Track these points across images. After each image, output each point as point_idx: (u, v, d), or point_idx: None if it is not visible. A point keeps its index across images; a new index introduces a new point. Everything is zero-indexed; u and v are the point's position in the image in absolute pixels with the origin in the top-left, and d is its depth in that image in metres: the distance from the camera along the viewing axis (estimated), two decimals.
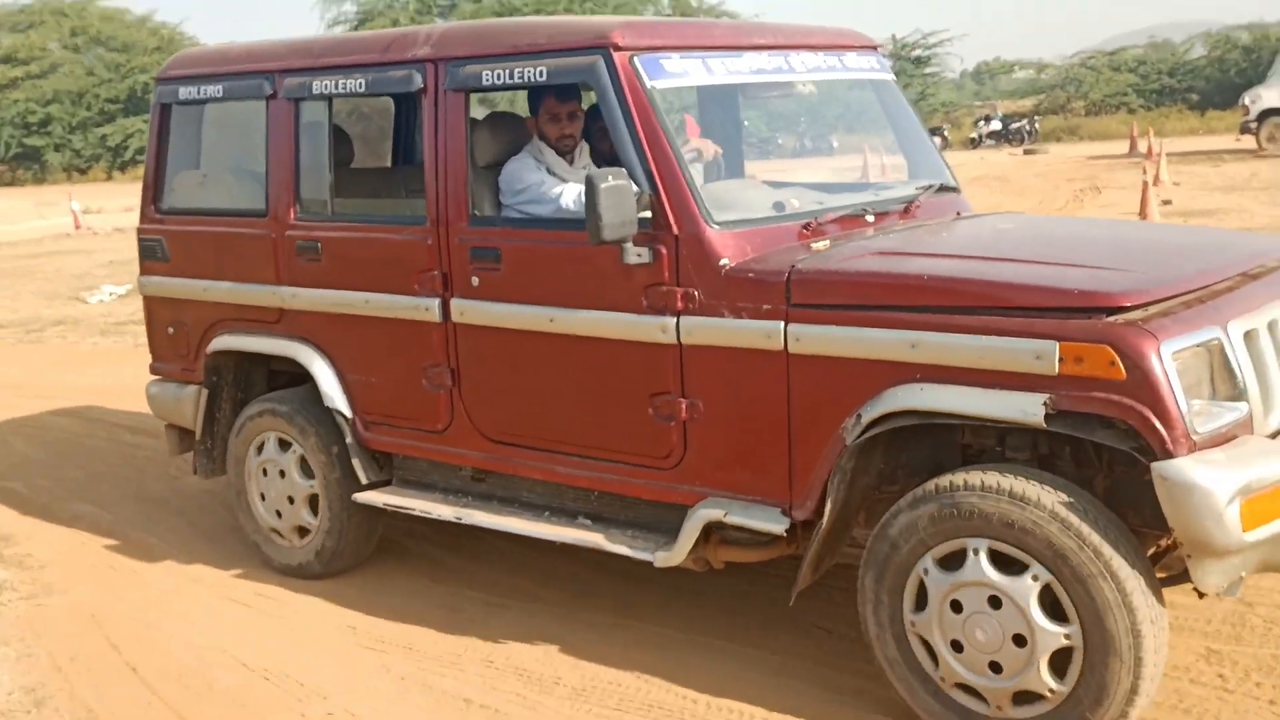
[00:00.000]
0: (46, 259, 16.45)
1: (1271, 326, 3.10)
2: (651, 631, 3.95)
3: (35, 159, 36.80)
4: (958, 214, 4.17)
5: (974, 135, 32.07)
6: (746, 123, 5.29)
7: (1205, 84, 34.55)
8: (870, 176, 5.38)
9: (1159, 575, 3.10)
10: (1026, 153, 27.35)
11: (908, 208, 4.01)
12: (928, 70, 40.98)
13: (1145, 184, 12.86)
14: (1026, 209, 14.27)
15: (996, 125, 31.88)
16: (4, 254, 17.65)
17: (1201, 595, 3.00)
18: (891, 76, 4.55)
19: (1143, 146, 22.00)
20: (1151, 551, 3.19)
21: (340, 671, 3.84)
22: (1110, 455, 3.10)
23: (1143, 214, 12.29)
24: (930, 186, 4.18)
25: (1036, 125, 31.77)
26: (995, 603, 2.97)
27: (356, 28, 35.72)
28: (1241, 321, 2.99)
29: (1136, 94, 35.20)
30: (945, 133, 30.39)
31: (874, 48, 4.52)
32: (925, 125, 4.64)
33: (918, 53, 41.01)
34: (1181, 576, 3.12)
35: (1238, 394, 2.92)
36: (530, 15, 29.43)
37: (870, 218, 3.85)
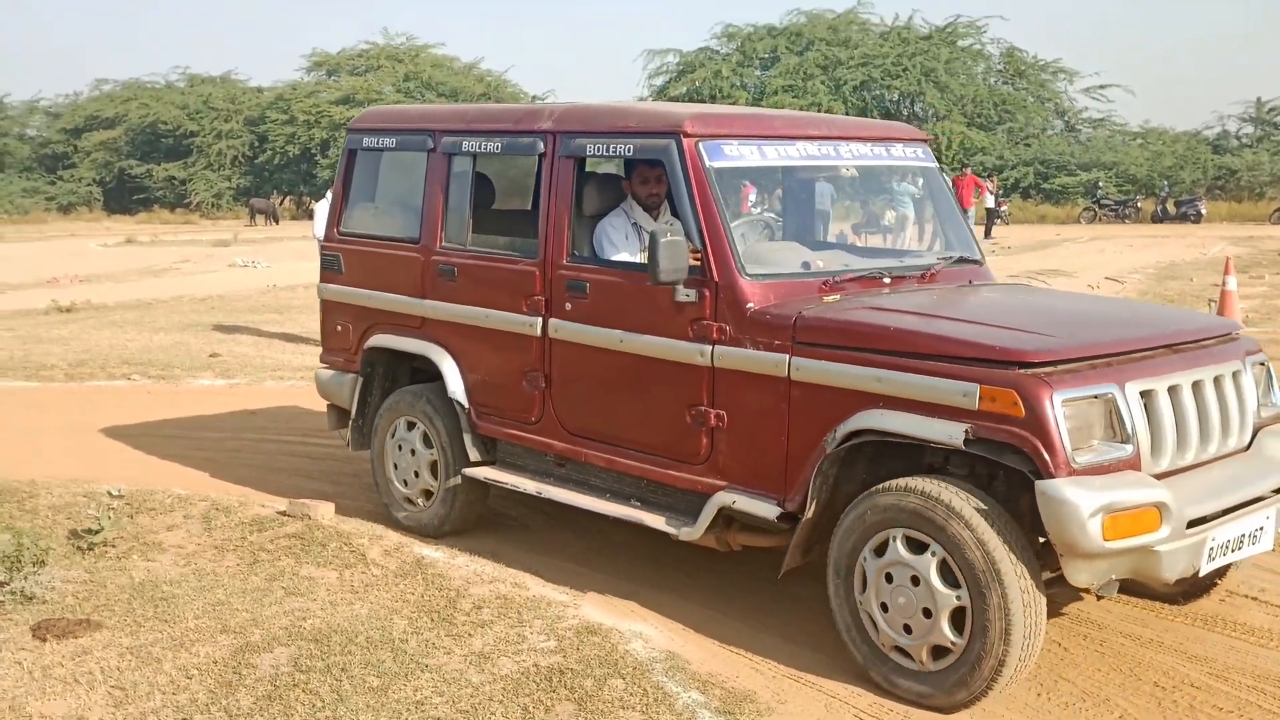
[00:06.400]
0: None
1: (1174, 390, 3.88)
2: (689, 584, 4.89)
3: None
4: (969, 282, 5.01)
5: None
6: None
7: None
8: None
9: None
10: None
11: (924, 274, 4.88)
12: None
13: None
14: None
15: None
16: None
17: (1097, 597, 3.79)
18: (935, 164, 5.43)
19: None
20: None
21: None
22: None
23: None
24: (949, 258, 5.05)
25: None
26: (914, 580, 3.84)
27: (677, 78, 37.48)
28: (1139, 383, 3.79)
29: None
30: None
31: (924, 140, 5.42)
32: None
33: None
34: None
35: (1126, 438, 3.72)
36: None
37: (887, 280, 4.75)
